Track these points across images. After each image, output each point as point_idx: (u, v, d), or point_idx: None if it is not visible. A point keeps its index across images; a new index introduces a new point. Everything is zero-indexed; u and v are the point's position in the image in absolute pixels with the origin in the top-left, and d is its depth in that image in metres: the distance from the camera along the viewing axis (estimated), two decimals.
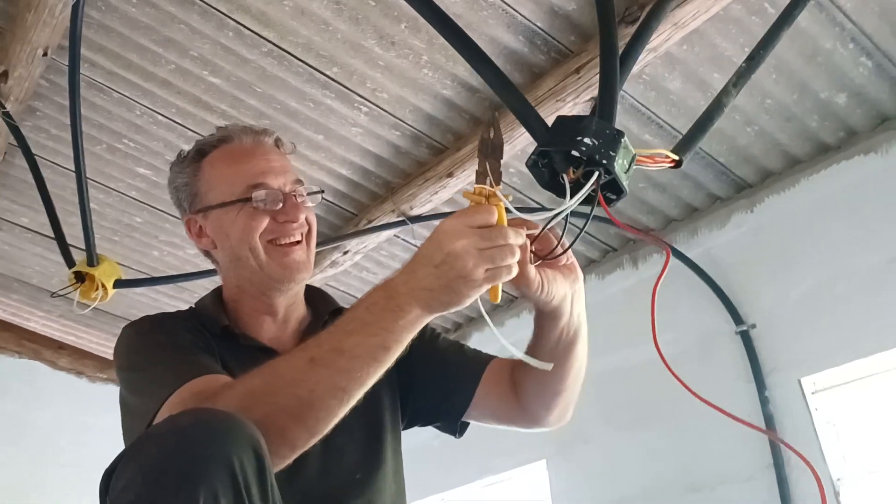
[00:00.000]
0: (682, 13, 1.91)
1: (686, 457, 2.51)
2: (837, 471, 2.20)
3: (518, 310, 3.28)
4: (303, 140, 2.62)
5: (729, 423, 2.43)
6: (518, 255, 0.97)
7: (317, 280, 3.12)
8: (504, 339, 1.07)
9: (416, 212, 2.72)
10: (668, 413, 2.61)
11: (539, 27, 2.16)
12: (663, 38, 1.98)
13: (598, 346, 2.89)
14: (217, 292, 1.35)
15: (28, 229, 3.21)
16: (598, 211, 1.08)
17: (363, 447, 1.26)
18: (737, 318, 2.50)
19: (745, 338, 2.46)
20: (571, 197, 1.05)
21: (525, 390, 1.27)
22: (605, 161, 1.04)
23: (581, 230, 1.08)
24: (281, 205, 1.26)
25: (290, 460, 0.96)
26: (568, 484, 2.88)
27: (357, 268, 3.19)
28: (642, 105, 2.39)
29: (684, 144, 1.21)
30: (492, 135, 1.02)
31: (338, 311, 1.37)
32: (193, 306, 1.36)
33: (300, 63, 2.35)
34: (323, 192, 1.42)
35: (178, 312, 1.32)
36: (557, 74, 2.20)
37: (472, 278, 0.92)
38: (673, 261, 2.73)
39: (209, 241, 1.30)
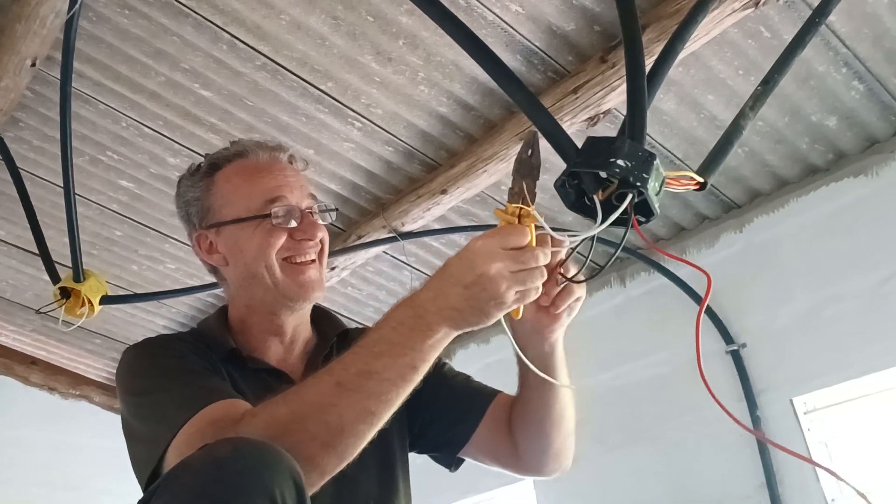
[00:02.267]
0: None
1: (678, 476, 2.51)
2: (831, 491, 2.21)
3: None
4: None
5: (721, 443, 2.46)
6: (545, 277, 0.96)
7: None
8: (523, 356, 1.05)
9: (407, 228, 2.70)
10: (659, 432, 2.61)
11: (537, 47, 2.16)
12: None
13: (587, 366, 2.91)
14: (222, 312, 1.31)
15: (2, 241, 3.12)
16: (611, 232, 1.07)
17: (376, 475, 1.23)
18: (727, 337, 2.52)
19: (736, 357, 2.48)
20: (604, 219, 1.04)
21: (522, 432, 1.26)
22: (638, 183, 1.03)
23: (615, 253, 1.07)
24: (298, 222, 1.23)
25: (318, 487, 0.93)
26: None
27: (342, 284, 3.16)
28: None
29: (707, 167, 1.21)
30: (530, 154, 1.01)
31: (345, 332, 1.34)
32: (196, 327, 1.32)
33: (294, 77, 2.32)
34: (337, 209, 1.39)
35: (181, 334, 1.28)
36: (555, 94, 2.19)
37: (503, 301, 0.92)
38: (662, 280, 2.75)
39: (220, 257, 1.27)
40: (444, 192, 2.50)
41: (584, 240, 1.06)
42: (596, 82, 2.12)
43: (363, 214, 2.83)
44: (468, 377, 1.39)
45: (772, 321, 2.45)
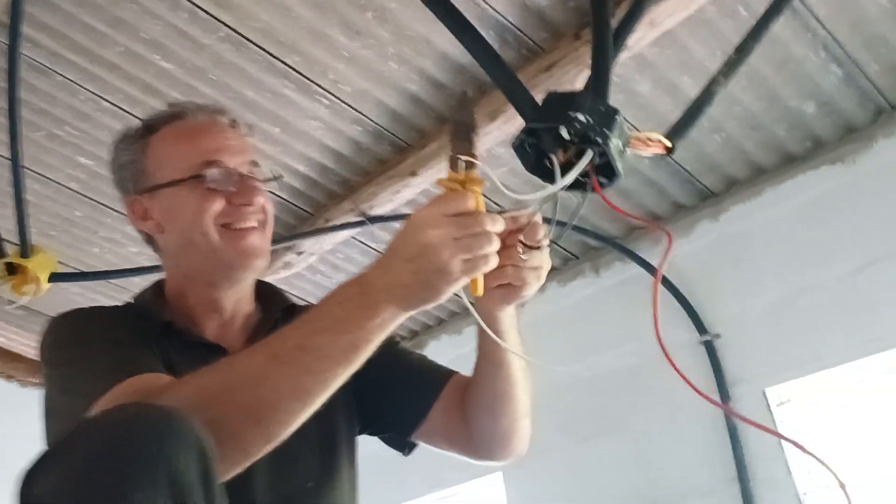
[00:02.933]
0: (658, 11, 1.87)
1: (648, 469, 2.45)
2: (803, 485, 2.16)
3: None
4: (259, 133, 2.49)
5: (692, 436, 2.40)
6: (497, 244, 0.88)
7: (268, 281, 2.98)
8: (489, 330, 0.98)
9: (376, 212, 2.62)
10: (629, 424, 2.55)
11: (510, 22, 2.10)
12: (637, 37, 1.93)
13: (558, 355, 2.85)
14: (158, 285, 1.24)
15: None
16: (587, 220, 1.00)
17: (317, 454, 1.16)
18: (700, 327, 2.47)
19: (710, 348, 2.42)
20: (563, 179, 0.97)
21: (472, 412, 1.19)
22: (599, 140, 0.97)
23: (573, 219, 0.99)
24: (236, 186, 1.16)
25: (242, 467, 0.86)
26: (525, 497, 2.80)
27: (311, 270, 3.07)
28: (630, 131, 2.34)
29: (676, 132, 1.15)
30: (464, 116, 0.93)
31: (291, 308, 1.26)
32: (132, 300, 1.24)
33: (259, 50, 2.23)
34: (282, 176, 1.31)
35: (114, 307, 1.21)
36: (528, 72, 2.13)
37: (449, 270, 0.84)
38: (635, 269, 2.69)
39: (154, 224, 1.18)
40: (413, 174, 2.43)
41: (541, 201, 0.99)
42: (570, 60, 2.06)
43: (331, 197, 2.74)
44: (423, 356, 1.32)
45: (746, 311, 2.40)
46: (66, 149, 2.64)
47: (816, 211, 2.35)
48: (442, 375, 1.25)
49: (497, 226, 0.88)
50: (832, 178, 2.34)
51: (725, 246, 2.53)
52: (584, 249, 2.97)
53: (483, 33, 2.09)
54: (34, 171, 2.70)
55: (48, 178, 2.76)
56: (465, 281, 0.88)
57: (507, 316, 1.08)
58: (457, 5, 2.01)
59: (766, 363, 2.32)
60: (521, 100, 1.02)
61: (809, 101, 2.29)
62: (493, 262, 0.89)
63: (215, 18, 2.16)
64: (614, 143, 0.98)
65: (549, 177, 1.02)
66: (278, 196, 2.74)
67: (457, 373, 1.26)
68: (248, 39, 2.21)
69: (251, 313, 1.24)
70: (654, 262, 2.63)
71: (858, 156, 2.30)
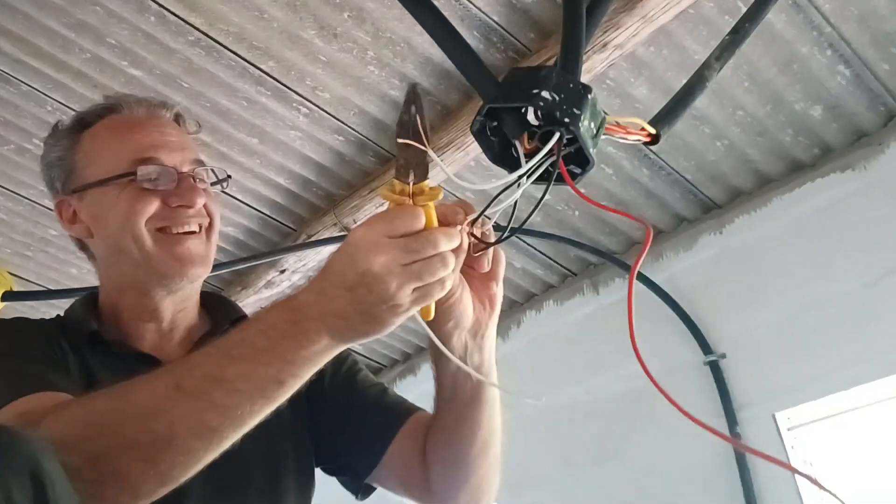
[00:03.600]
0: (651, 4, 1.74)
1: (651, 500, 2.28)
2: None
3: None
4: (235, 144, 2.38)
5: (698, 463, 2.23)
6: (453, 265, 0.75)
7: (250, 302, 2.85)
8: (444, 349, 0.84)
9: None
10: (631, 451, 2.39)
11: (496, 22, 1.97)
12: (630, 33, 1.80)
13: (554, 378, 2.69)
14: (91, 295, 1.13)
15: None
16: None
17: (263, 488, 1.03)
18: (705, 347, 2.31)
19: (715, 368, 2.26)
20: (527, 167, 0.83)
21: (432, 458, 1.04)
22: (567, 120, 0.83)
23: (541, 198, 0.85)
24: (174, 185, 1.04)
25: None
26: None
27: (296, 289, 2.93)
28: (605, 114, 2.21)
29: (662, 119, 1.01)
30: (413, 114, 0.79)
31: (241, 320, 1.13)
32: (62, 313, 1.13)
33: (232, 55, 2.12)
34: (230, 176, 1.20)
35: (40, 320, 1.10)
36: None
37: (397, 302, 0.73)
38: (636, 287, 2.53)
39: (83, 228, 1.08)
40: None
41: (501, 190, 0.85)
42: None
43: (314, 212, 2.61)
44: (384, 389, 1.18)
45: (752, 329, 2.24)
46: (37, 163, 2.50)
47: (826, 221, 2.19)
48: (402, 412, 1.11)
49: (453, 242, 0.75)
50: (842, 186, 2.19)
51: (730, 260, 2.38)
52: (582, 266, 2.82)
53: (467, 35, 2.00)
54: (5, 188, 2.59)
55: (20, 195, 2.64)
56: (415, 310, 0.76)
57: (480, 340, 0.94)
58: (441, 5, 1.92)
59: (775, 385, 2.15)
60: (480, 78, 0.89)
61: (816, 104, 2.15)
62: (448, 285, 0.76)
63: (184, 21, 2.04)
64: (585, 125, 0.84)
65: (515, 166, 0.88)
66: (259, 211, 2.63)
67: (420, 410, 1.12)
68: (219, 43, 2.09)
69: (195, 326, 1.12)
70: (657, 279, 2.48)
71: (869, 162, 2.16)
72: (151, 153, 1.06)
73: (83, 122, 1.11)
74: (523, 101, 0.83)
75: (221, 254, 2.78)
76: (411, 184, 0.76)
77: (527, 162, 0.85)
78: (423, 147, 0.77)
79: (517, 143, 0.89)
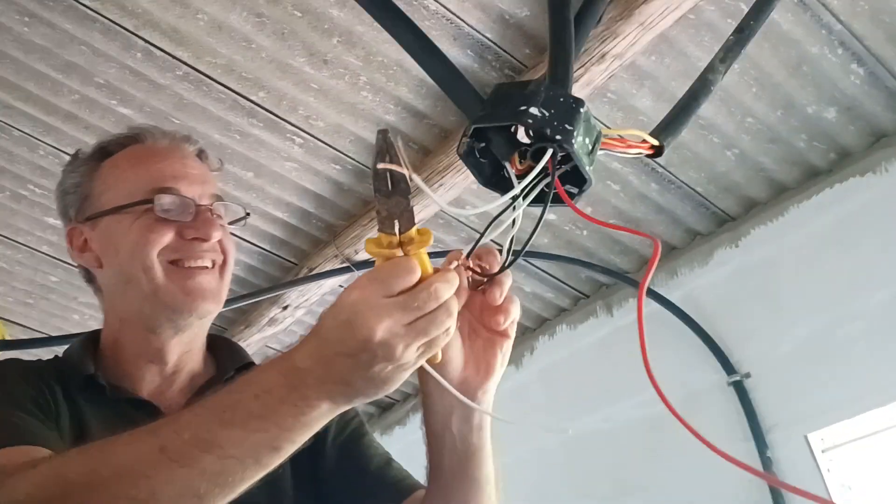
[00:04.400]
0: (648, 10, 1.66)
1: None
2: None
3: None
4: (230, 179, 2.31)
5: (728, 492, 2.11)
6: (456, 311, 0.70)
7: (254, 340, 2.78)
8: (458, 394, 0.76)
9: (361, 256, 2.41)
10: (653, 482, 2.27)
11: (489, 39, 1.90)
12: (629, 42, 1.73)
13: (570, 406, 2.58)
14: (92, 334, 1.07)
15: None
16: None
17: None
18: (728, 367, 2.20)
19: (740, 389, 2.15)
20: (519, 188, 0.75)
21: None
22: (558, 137, 0.75)
23: (540, 218, 0.77)
24: (191, 217, 1.00)
25: None
26: None
27: (300, 325, 2.85)
28: (603, 126, 2.12)
29: (665, 129, 0.93)
30: (388, 160, 0.71)
31: (249, 366, 1.07)
32: (60, 354, 1.07)
33: (221, 88, 2.06)
34: (248, 214, 1.15)
35: (34, 361, 1.04)
36: None
37: (403, 363, 0.68)
38: (652, 306, 2.44)
39: (93, 256, 1.03)
40: None
41: (492, 220, 0.77)
42: None
43: (316, 244, 2.54)
44: (389, 460, 1.10)
45: (777, 347, 2.13)
46: (34, 209, 2.48)
47: (849, 229, 2.09)
48: (403, 488, 1.03)
49: (453, 286, 0.69)
50: (863, 191, 2.09)
51: (749, 275, 2.27)
52: (594, 287, 2.72)
53: (460, 53, 1.94)
54: (3, 236, 2.55)
55: (18, 242, 2.60)
56: (422, 363, 0.71)
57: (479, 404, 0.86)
58: (429, 24, 1.86)
59: (805, 404, 2.03)
60: (463, 96, 0.81)
61: (830, 106, 2.06)
62: (453, 328, 0.71)
63: (172, 56, 1.99)
64: (579, 141, 0.77)
65: (508, 189, 0.80)
66: (259, 247, 2.57)
67: (421, 487, 1.04)
68: (208, 76, 2.04)
69: (200, 372, 1.06)
70: (672, 297, 2.38)
71: (891, 163, 2.05)
72: (171, 183, 1.02)
73: (104, 151, 1.08)
74: (510, 120, 0.76)
75: None
76: (398, 233, 0.70)
77: (519, 183, 0.77)
78: (407, 173, 0.70)
79: (507, 165, 0.81)
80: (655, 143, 0.86)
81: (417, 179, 0.68)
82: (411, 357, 0.68)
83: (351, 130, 2.16)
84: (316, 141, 2.20)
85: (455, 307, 0.69)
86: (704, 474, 2.13)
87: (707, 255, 2.39)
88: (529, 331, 2.85)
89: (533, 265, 2.58)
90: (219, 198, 1.06)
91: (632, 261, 2.60)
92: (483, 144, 0.81)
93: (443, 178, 2.11)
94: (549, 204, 0.74)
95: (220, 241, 1.03)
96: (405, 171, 0.67)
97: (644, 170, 2.25)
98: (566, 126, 0.75)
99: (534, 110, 0.75)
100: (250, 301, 2.49)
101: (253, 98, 2.09)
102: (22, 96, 2.12)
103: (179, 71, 2.03)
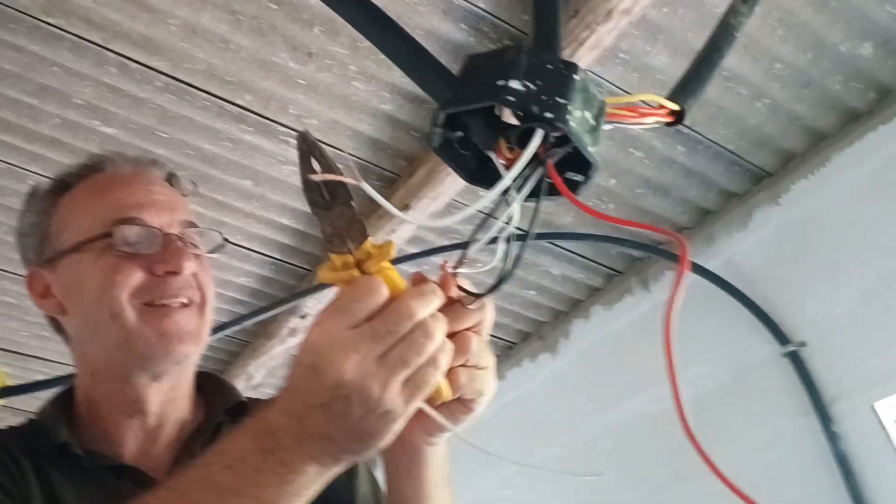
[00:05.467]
0: None
1: None
2: None
3: (518, 357, 2.80)
4: (229, 189, 2.20)
5: (792, 470, 1.94)
6: (441, 331, 0.59)
7: (277, 353, 2.67)
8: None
9: None
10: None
11: (482, 8, 1.75)
12: None
13: (613, 391, 2.42)
14: (66, 392, 0.94)
15: None
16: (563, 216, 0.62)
17: None
18: (780, 336, 2.02)
19: (795, 360, 1.98)
20: (507, 179, 0.60)
21: None
22: (549, 114, 0.60)
23: (535, 213, 0.61)
24: (159, 248, 0.88)
25: None
26: None
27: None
28: (624, 92, 1.95)
29: (686, 89, 0.77)
30: (316, 169, 0.59)
31: (239, 407, 0.95)
32: (34, 417, 0.95)
33: (204, 95, 1.94)
34: (227, 240, 1.01)
35: (8, 428, 0.92)
36: None
37: (387, 409, 0.57)
38: (690, 278, 2.27)
39: (55, 303, 0.91)
40: (406, 207, 2.07)
41: (482, 220, 0.62)
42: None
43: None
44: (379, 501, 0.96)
45: (832, 309, 1.95)
46: None
47: None
48: None
49: (430, 301, 0.58)
50: None
51: (793, 233, 2.09)
52: (627, 263, 2.55)
53: (453, 29, 1.78)
54: (7, 272, 2.47)
55: (20, 275, 2.51)
56: (414, 407, 0.59)
57: (437, 456, 0.75)
58: (418, 2, 1.70)
59: (869, 370, 1.86)
60: (427, 74, 0.66)
61: (864, 42, 1.87)
62: (445, 359, 0.59)
63: (147, 67, 1.87)
64: (577, 116, 0.61)
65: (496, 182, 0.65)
66: (270, 257, 2.45)
67: None
68: (189, 85, 1.92)
69: (187, 420, 0.93)
70: (711, 266, 2.20)
71: None
72: (134, 212, 0.89)
73: (62, 185, 0.96)
74: (485, 100, 0.61)
75: (241, 306, 2.62)
76: (351, 251, 0.59)
77: (509, 173, 0.62)
78: (347, 181, 0.57)
79: (493, 155, 0.66)
80: (674, 106, 0.71)
81: (366, 187, 0.55)
82: (395, 399, 0.57)
83: (347, 125, 2.02)
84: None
85: (439, 327, 0.58)
86: (766, 451, 1.98)
87: (745, 217, 2.21)
88: (563, 315, 2.70)
89: (559, 247, 2.42)
90: (192, 224, 0.94)
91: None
92: (460, 133, 0.66)
93: (439, 176, 1.97)
94: (542, 198, 0.60)
95: (195, 276, 0.90)
96: (340, 177, 0.54)
97: (668, 132, 2.07)
98: (557, 99, 0.60)
99: (515, 84, 0.60)
100: (264, 316, 2.38)
101: (239, 102, 1.96)
102: (2, 126, 2.02)
103: (158, 82, 1.91)
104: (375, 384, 0.55)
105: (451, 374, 0.63)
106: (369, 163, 2.13)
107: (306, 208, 2.16)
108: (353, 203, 0.58)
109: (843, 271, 1.95)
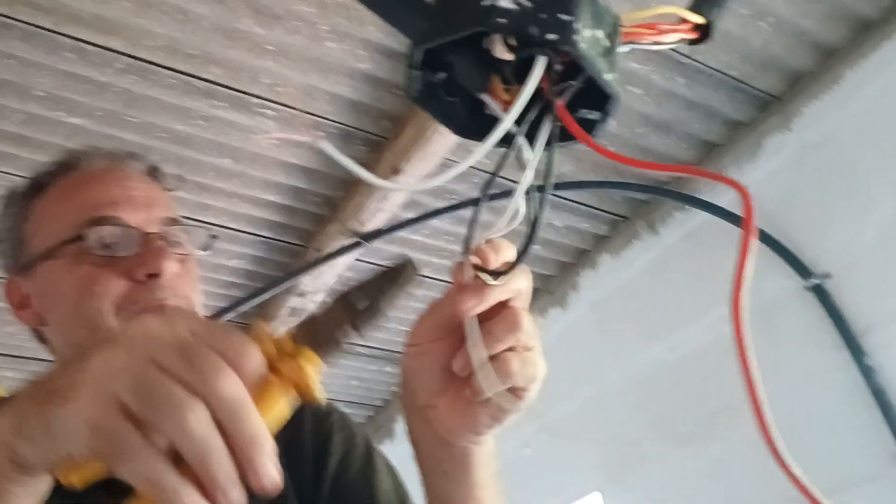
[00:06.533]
0: None
1: (773, 464, 1.92)
2: None
3: (543, 303, 2.67)
4: (209, 170, 2.08)
5: (827, 409, 1.85)
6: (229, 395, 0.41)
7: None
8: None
9: (370, 227, 2.16)
10: (739, 408, 2.02)
11: None
12: None
13: (629, 341, 2.33)
14: None
15: None
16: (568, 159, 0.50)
17: None
18: (802, 270, 1.91)
19: (820, 293, 1.87)
20: (504, 121, 0.49)
21: None
22: (551, 35, 0.48)
23: (548, 185, 0.50)
24: (138, 249, 0.79)
25: None
26: None
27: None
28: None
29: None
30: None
31: None
32: None
33: (169, 72, 1.81)
34: (216, 237, 0.91)
35: None
36: None
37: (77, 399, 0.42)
38: (701, 217, 2.17)
39: (32, 314, 0.83)
40: (395, 171, 1.95)
41: (489, 183, 0.50)
42: None
43: (318, 222, 2.30)
44: (398, 489, 0.86)
45: (858, 236, 1.84)
46: None
47: None
48: None
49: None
50: None
51: (808, 160, 1.97)
52: (632, 207, 2.44)
53: None
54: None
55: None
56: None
57: (485, 455, 0.62)
58: None
59: None
60: (397, 7, 0.54)
61: None
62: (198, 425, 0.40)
63: (105, 48, 1.75)
64: (586, 36, 0.49)
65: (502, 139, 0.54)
66: (260, 236, 2.34)
67: None
68: (151, 63, 1.79)
69: None
70: (721, 202, 2.09)
71: None
72: (108, 211, 0.80)
73: (36, 186, 0.87)
74: (470, 26, 0.49)
75: (236, 289, 2.53)
76: (294, 340, 0.46)
77: (506, 118, 0.50)
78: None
79: (487, 98, 0.54)
80: (699, 19, 0.59)
81: (327, 146, 0.44)
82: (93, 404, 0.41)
83: (324, 90, 1.90)
84: (289, 110, 1.94)
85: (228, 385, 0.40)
86: (798, 390, 1.88)
87: (755, 147, 2.09)
88: (569, 266, 2.60)
89: (560, 197, 2.31)
90: (174, 221, 0.85)
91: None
92: (444, 75, 0.54)
93: (427, 133, 1.85)
94: (556, 145, 0.48)
95: (180, 280, 0.80)
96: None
97: (666, 63, 1.94)
98: (560, 16, 0.48)
99: (504, 2, 0.48)
100: (262, 298, 2.28)
101: (206, 76, 1.83)
102: None
103: (119, 64, 1.78)
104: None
105: (498, 360, 0.52)
106: (352, 127, 2.01)
107: (290, 181, 2.02)
108: (349, 328, 0.48)
109: (867, 195, 1.83)
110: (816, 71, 1.97)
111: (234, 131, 1.97)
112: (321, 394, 0.45)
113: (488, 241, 0.56)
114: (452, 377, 0.55)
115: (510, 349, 0.53)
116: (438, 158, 1.97)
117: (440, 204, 2.24)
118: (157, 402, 0.38)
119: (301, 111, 1.94)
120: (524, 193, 0.53)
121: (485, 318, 0.54)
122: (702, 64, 1.97)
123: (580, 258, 2.57)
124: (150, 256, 0.78)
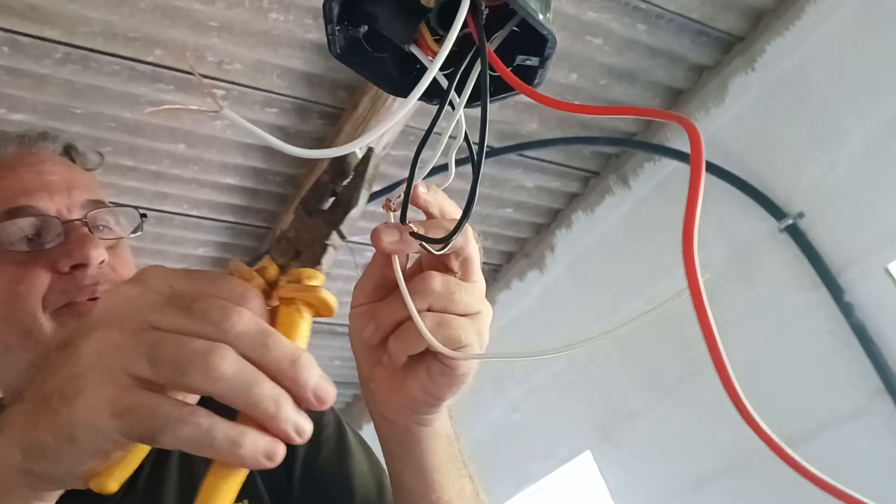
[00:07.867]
0: None
1: (760, 407, 1.91)
2: None
3: (507, 279, 2.68)
4: (163, 157, 2.02)
5: (809, 349, 1.84)
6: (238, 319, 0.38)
7: None
8: None
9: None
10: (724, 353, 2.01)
11: None
12: None
13: (609, 298, 2.30)
14: None
15: None
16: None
17: None
18: (775, 211, 1.89)
19: (795, 233, 1.85)
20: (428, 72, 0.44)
21: None
22: None
23: (484, 118, 0.45)
24: (61, 239, 0.72)
25: None
26: (625, 473, 2.30)
27: None
28: None
29: None
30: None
31: None
32: None
33: (110, 58, 1.74)
34: (145, 216, 0.84)
35: None
36: None
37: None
38: (672, 165, 2.14)
39: None
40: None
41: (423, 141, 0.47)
42: None
43: (283, 202, 2.25)
44: (380, 487, 0.81)
45: (829, 173, 1.82)
46: None
47: (885, 8, 1.73)
48: None
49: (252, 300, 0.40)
50: None
51: (775, 98, 1.93)
52: (601, 162, 2.40)
53: None
54: None
55: None
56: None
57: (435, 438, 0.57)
58: None
59: (877, 230, 1.73)
60: None
61: None
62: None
63: (40, 39, 1.67)
64: None
65: (433, 92, 0.49)
66: (224, 221, 2.28)
67: None
68: (91, 50, 1.72)
69: None
70: (688, 149, 2.05)
71: None
72: (21, 201, 0.73)
73: None
74: None
75: None
76: (284, 265, 0.44)
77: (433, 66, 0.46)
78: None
79: (414, 49, 0.49)
80: None
81: (231, 114, 0.38)
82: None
83: (274, 64, 1.83)
84: (239, 87, 1.87)
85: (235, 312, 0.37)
86: (779, 332, 1.88)
87: (721, 90, 2.05)
88: (544, 227, 2.56)
89: (528, 157, 2.26)
90: (99, 203, 0.78)
91: (637, 121, 2.26)
92: (365, 28, 0.49)
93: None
94: (490, 97, 0.44)
95: (110, 266, 0.74)
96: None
97: (625, 11, 1.88)
98: None
99: None
100: None
101: (150, 60, 1.76)
102: None
103: (57, 54, 1.71)
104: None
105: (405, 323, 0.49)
106: (307, 100, 1.95)
107: (248, 162, 1.95)
108: (336, 235, 0.45)
109: (836, 127, 1.80)
110: (777, 7, 1.93)
111: (184, 115, 1.90)
112: (334, 303, 0.42)
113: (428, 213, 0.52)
114: (384, 345, 0.51)
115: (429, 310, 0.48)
116: (400, 126, 1.91)
117: (405, 174, 2.19)
118: (178, 360, 0.35)
119: (252, 87, 1.87)
120: (458, 149, 0.49)
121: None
122: (662, 8, 1.92)
123: (554, 218, 2.54)
124: (73, 246, 0.72)
